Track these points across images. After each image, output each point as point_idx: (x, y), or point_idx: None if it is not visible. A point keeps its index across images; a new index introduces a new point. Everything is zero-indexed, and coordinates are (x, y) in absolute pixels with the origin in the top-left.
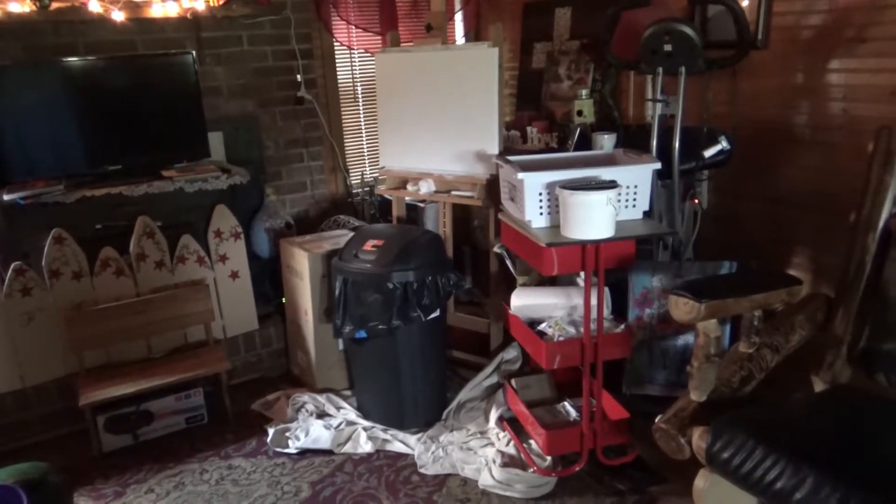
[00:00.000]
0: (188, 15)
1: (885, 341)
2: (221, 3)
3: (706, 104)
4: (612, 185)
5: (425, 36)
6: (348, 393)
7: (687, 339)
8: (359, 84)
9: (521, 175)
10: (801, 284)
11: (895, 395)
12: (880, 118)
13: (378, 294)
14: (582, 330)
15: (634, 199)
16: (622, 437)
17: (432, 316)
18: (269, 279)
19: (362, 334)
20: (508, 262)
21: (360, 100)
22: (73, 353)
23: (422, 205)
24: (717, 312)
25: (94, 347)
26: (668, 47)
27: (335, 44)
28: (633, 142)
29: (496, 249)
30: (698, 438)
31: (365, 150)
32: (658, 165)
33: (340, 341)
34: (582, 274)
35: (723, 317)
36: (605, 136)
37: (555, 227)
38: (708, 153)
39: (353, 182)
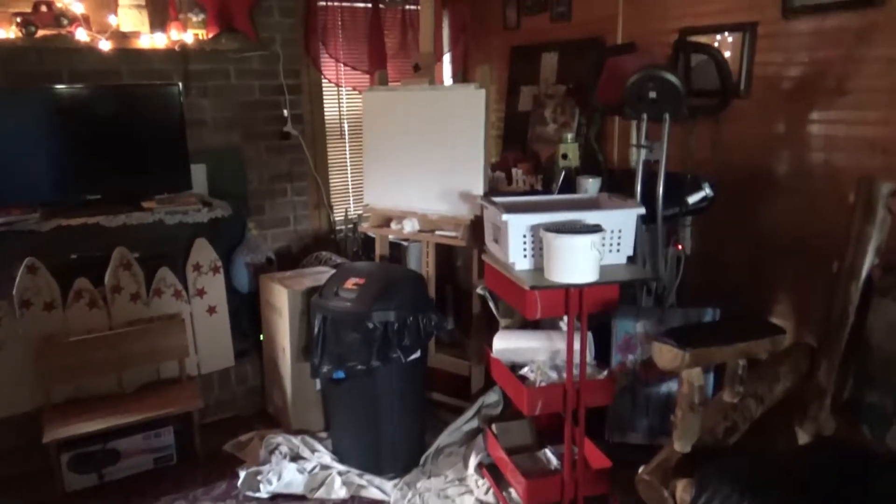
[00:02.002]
0: (176, 47)
1: (870, 393)
2: (210, 36)
3: (690, 151)
4: (596, 228)
5: (413, 75)
6: (324, 435)
7: (670, 386)
8: (345, 121)
9: (505, 216)
10: (784, 334)
11: (880, 447)
12: (859, 168)
13: (357, 333)
14: (564, 375)
15: (619, 244)
16: (604, 487)
17: (413, 357)
18: (248, 315)
19: (340, 374)
20: (491, 304)
21: (347, 136)
22: (42, 386)
23: (405, 243)
24: (701, 361)
25: (63, 381)
26: (652, 94)
27: (323, 80)
28: (618, 186)
29: (479, 291)
30: (682, 491)
31: (350, 187)
32: (642, 210)
33: (318, 381)
34: (565, 318)
35: (707, 365)
36: (590, 179)
37: (538, 269)
38: (692, 199)
39: (336, 219)
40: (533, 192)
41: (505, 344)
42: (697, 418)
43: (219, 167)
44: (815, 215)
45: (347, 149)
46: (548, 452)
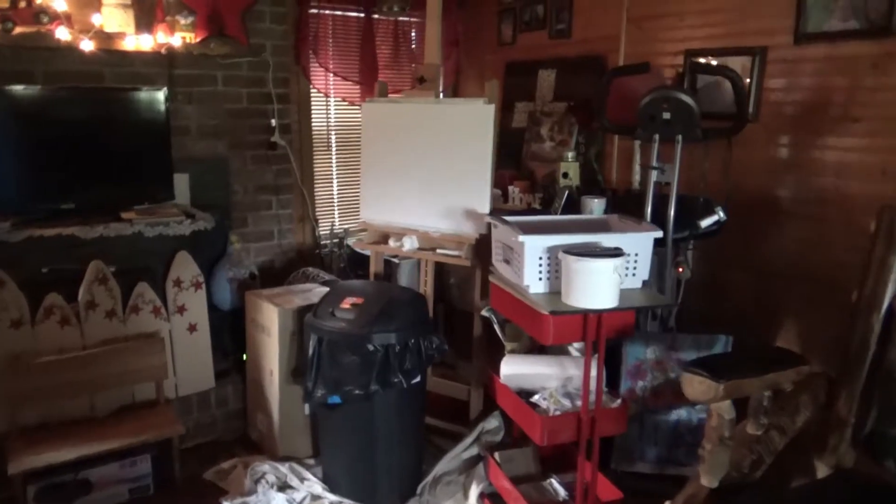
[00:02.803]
0: (163, 50)
1: (894, 426)
2: (199, 40)
3: (703, 174)
4: (617, 252)
5: (417, 87)
6: (312, 462)
7: (679, 414)
8: (333, 132)
9: (521, 238)
10: (808, 364)
11: None
12: (872, 196)
13: (356, 356)
14: (578, 403)
15: (635, 268)
16: None
17: (414, 381)
18: (229, 333)
19: (336, 399)
20: (496, 327)
21: (334, 149)
22: (7, 410)
23: (396, 261)
24: (734, 393)
25: (31, 405)
26: (666, 115)
27: (311, 90)
28: (622, 207)
29: (484, 313)
30: None
31: (335, 201)
32: (660, 234)
33: (307, 405)
34: (574, 344)
35: (738, 397)
36: (595, 200)
37: (554, 293)
38: (704, 223)
39: (321, 233)
40: (532, 211)
41: (514, 369)
42: (727, 452)
43: (202, 177)
44: (824, 243)
45: (334, 161)
46: (554, 482)
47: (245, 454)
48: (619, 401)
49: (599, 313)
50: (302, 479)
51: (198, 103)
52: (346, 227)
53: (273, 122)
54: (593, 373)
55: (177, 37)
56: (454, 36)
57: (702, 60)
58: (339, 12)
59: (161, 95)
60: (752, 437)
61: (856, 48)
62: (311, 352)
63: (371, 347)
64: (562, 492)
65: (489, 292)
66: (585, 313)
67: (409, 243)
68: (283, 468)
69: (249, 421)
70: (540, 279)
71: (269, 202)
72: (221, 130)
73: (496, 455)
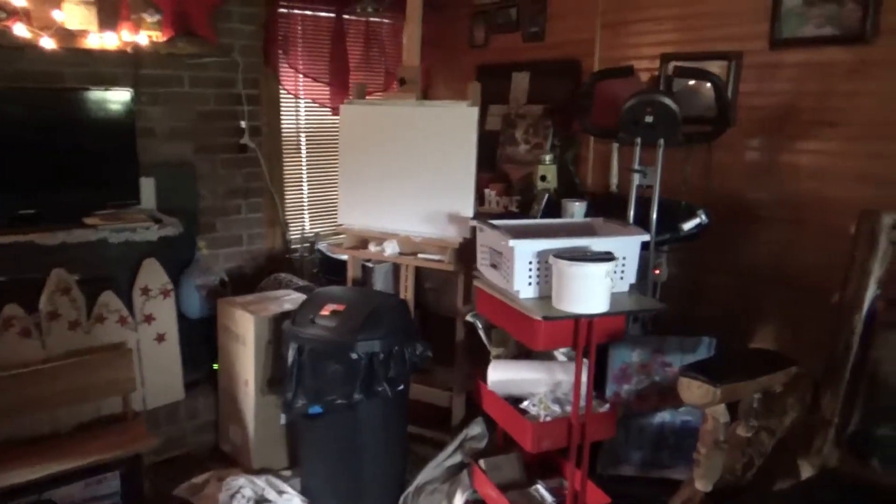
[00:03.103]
0: (129, 49)
1: (879, 425)
2: (165, 39)
3: (685, 177)
4: (609, 256)
5: (397, 89)
6: (289, 474)
7: (664, 416)
8: (303, 134)
9: (512, 242)
10: (796, 365)
11: (889, 480)
12: (847, 199)
13: (339, 365)
14: (568, 409)
15: (623, 272)
16: None
17: (398, 390)
18: (199, 343)
19: (317, 410)
20: (481, 333)
21: (304, 151)
22: None
23: (371, 265)
24: (731, 396)
25: None
26: (649, 118)
27: (281, 92)
28: (602, 210)
29: (468, 318)
30: None
31: (305, 204)
32: (648, 237)
33: (283, 415)
34: (562, 348)
35: (733, 400)
36: (576, 203)
37: (544, 298)
38: (687, 226)
39: (292, 237)
40: (510, 214)
41: (501, 375)
42: (722, 455)
43: (169, 181)
44: (801, 246)
45: (304, 164)
46: (540, 489)
47: (218, 468)
48: (607, 405)
49: (591, 318)
50: (280, 493)
51: (164, 105)
52: (317, 230)
53: (242, 124)
54: (583, 378)
55: (143, 35)
56: (424, 38)
57: (684, 64)
58: (309, 12)
59: (127, 96)
60: (743, 440)
61: (831, 54)
62: (290, 361)
63: (355, 356)
64: (549, 498)
65: (472, 297)
66: (578, 318)
67: (391, 248)
68: (260, 481)
69: (222, 433)
70: (530, 284)
71: (238, 206)
72: (189, 133)
73: (481, 462)
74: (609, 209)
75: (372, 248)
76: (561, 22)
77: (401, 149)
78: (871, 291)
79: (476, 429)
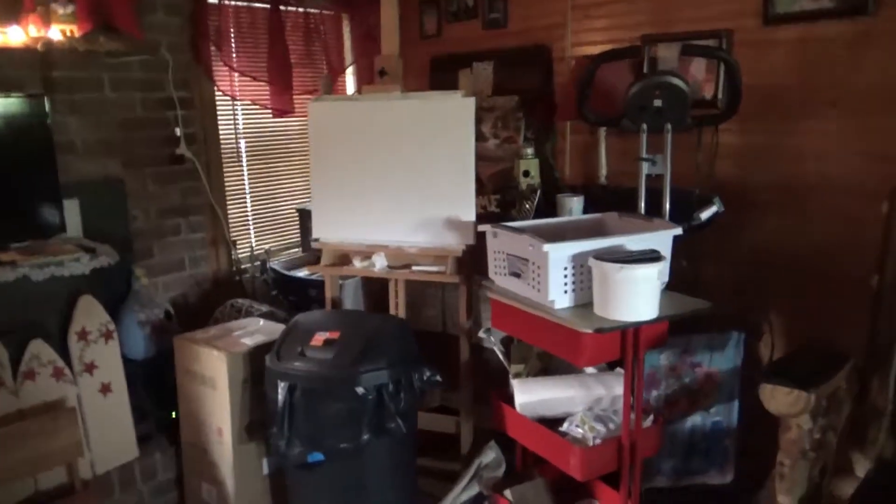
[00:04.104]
0: (38, 46)
1: None
2: (82, 34)
3: (697, 163)
4: (655, 255)
5: (377, 82)
6: None
7: (694, 420)
8: (242, 140)
9: (546, 247)
10: (851, 360)
11: None
12: (853, 178)
13: (341, 403)
14: (612, 427)
15: None
16: None
17: (411, 424)
18: (147, 389)
19: (318, 457)
20: (497, 350)
21: (245, 160)
22: None
23: (340, 282)
24: (820, 400)
25: None
26: (657, 102)
27: (217, 93)
28: (595, 204)
29: (481, 334)
30: None
31: (250, 219)
32: (680, 230)
33: (265, 464)
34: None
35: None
36: (574, 199)
37: (580, 306)
38: (704, 215)
39: (240, 257)
40: (493, 215)
41: (532, 396)
42: (807, 466)
43: (94, 203)
44: (803, 229)
45: (246, 174)
46: None
47: None
48: (650, 417)
49: (641, 325)
50: None
51: (83, 113)
52: (266, 248)
53: (178, 131)
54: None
55: (54, 30)
56: (366, 30)
57: (693, 42)
58: (242, 3)
59: (41, 104)
60: (814, 444)
61: (829, 28)
62: (280, 402)
63: (361, 390)
64: None
65: (474, 310)
66: (633, 327)
67: (380, 262)
68: None
69: (189, 492)
70: (565, 292)
71: (177, 226)
72: (114, 145)
73: (507, 493)
74: (604, 202)
75: (357, 263)
76: (525, 7)
77: (386, 149)
78: None
79: (490, 455)
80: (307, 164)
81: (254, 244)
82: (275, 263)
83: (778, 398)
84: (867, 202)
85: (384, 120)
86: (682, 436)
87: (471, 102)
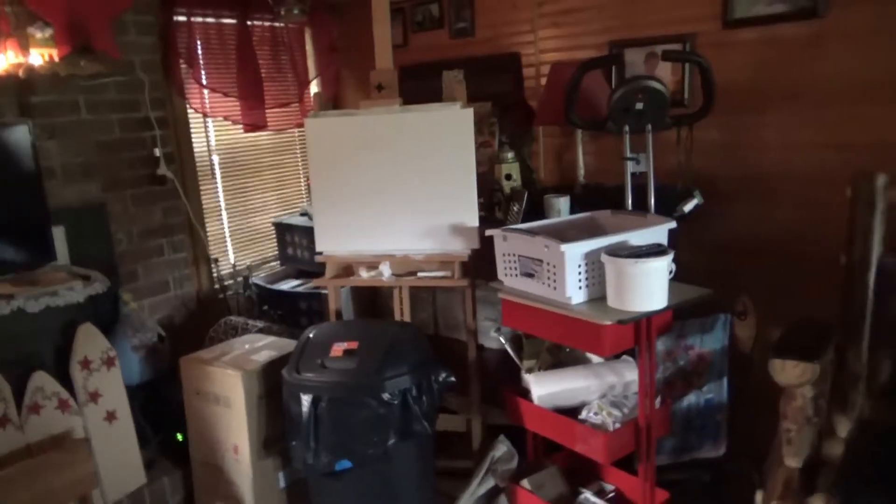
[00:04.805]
0: (20, 72)
1: None
2: (61, 57)
3: (679, 160)
4: (662, 249)
5: (375, 97)
6: None
7: (689, 399)
8: (216, 157)
9: (563, 247)
10: (836, 333)
11: None
12: (813, 166)
13: (367, 410)
14: (626, 411)
15: None
16: None
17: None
18: (146, 413)
19: (346, 465)
20: (508, 347)
21: (219, 176)
22: None
23: (326, 292)
24: (824, 370)
25: None
26: (639, 105)
27: (189, 111)
28: (583, 203)
29: (493, 334)
30: None
31: (227, 236)
32: (674, 224)
33: (281, 478)
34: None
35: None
36: (561, 199)
37: (594, 301)
38: (687, 208)
39: (222, 274)
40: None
41: (549, 388)
42: (812, 431)
43: (77, 228)
44: (775, 215)
45: (221, 190)
46: (589, 497)
47: None
48: (658, 399)
49: (653, 315)
50: None
51: (61, 138)
52: (248, 263)
53: (157, 151)
54: (632, 377)
55: (34, 55)
56: (329, 41)
57: (668, 48)
58: (210, 19)
59: (26, 130)
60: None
61: (785, 30)
62: (304, 416)
63: (387, 396)
64: None
65: (474, 312)
66: (648, 317)
67: (387, 271)
68: None
69: None
70: (580, 288)
71: (160, 247)
72: (93, 168)
73: (525, 483)
74: (586, 201)
75: (364, 274)
76: (492, 15)
77: (387, 161)
78: (876, 249)
79: (502, 448)
80: (280, 177)
81: (233, 260)
82: (256, 278)
83: (787, 370)
84: (830, 188)
85: (384, 133)
86: (680, 415)
87: (469, 113)
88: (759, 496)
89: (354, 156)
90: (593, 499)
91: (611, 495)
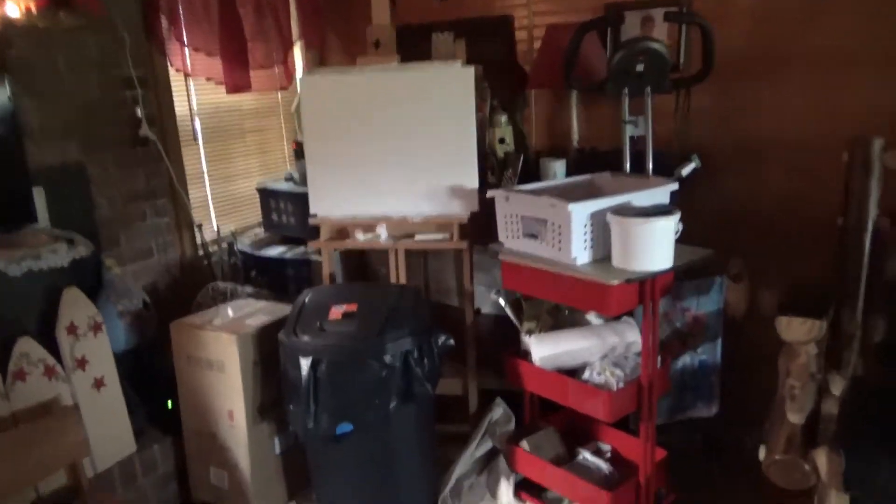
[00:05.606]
0: None
1: None
2: (39, 8)
3: (677, 124)
4: (669, 209)
5: (372, 54)
6: None
7: (684, 360)
8: (197, 119)
9: (570, 206)
10: (835, 294)
11: None
12: (807, 132)
13: (369, 373)
14: (628, 372)
15: None
16: (662, 479)
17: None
18: (133, 380)
19: (347, 428)
20: (508, 310)
21: (201, 139)
22: None
23: (319, 258)
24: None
25: None
26: (640, 67)
27: (171, 70)
28: (579, 166)
29: (493, 296)
30: (826, 461)
31: (210, 201)
32: (676, 185)
33: (276, 443)
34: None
35: None
36: (557, 162)
37: (598, 261)
38: (684, 171)
39: (207, 240)
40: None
41: (550, 349)
42: (815, 386)
43: (56, 191)
44: (771, 179)
45: (203, 154)
46: (588, 456)
47: None
48: (658, 358)
49: (654, 276)
50: None
51: (39, 96)
52: (232, 229)
53: (139, 112)
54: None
55: (11, 6)
56: (314, 3)
57: (670, 9)
58: None
59: (4, 86)
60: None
61: None
62: (303, 378)
63: (388, 359)
64: (602, 465)
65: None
66: (653, 277)
67: (384, 233)
68: None
69: (195, 480)
70: (585, 249)
71: (143, 212)
72: (73, 128)
73: (524, 444)
74: (581, 165)
75: (360, 236)
76: None
77: (385, 121)
78: (872, 212)
79: (499, 411)
80: (263, 141)
81: (215, 226)
82: (240, 245)
83: (794, 327)
84: (823, 154)
85: (382, 91)
86: (675, 375)
87: (470, 72)
88: (761, 451)
89: (350, 115)
90: (591, 458)
91: (607, 455)
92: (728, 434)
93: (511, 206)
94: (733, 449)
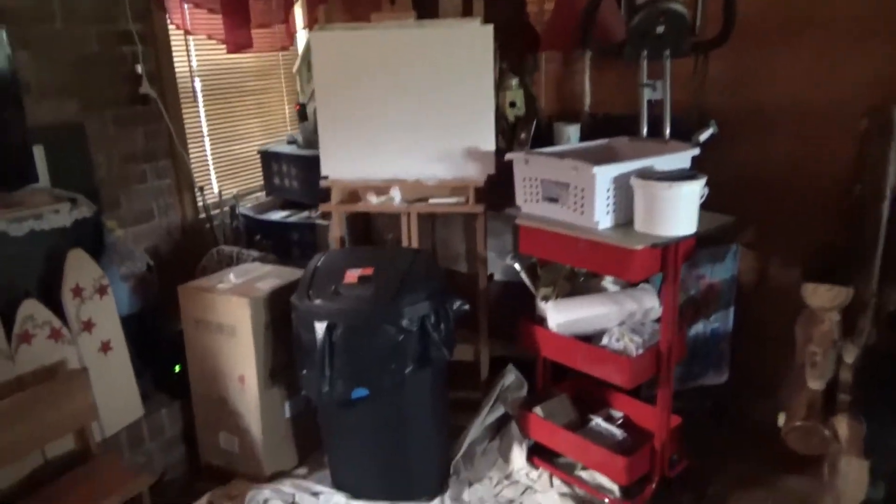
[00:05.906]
0: None
1: None
2: None
3: (695, 89)
4: (694, 174)
5: (387, 10)
6: (304, 471)
7: (697, 328)
8: (197, 78)
9: (595, 169)
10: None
11: None
12: (821, 102)
13: (385, 337)
14: (647, 338)
15: None
16: (675, 446)
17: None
18: (138, 344)
19: (362, 393)
20: (524, 275)
21: (201, 99)
22: None
23: (324, 222)
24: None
25: None
26: (660, 29)
27: (170, 27)
28: (593, 131)
29: (508, 261)
30: (846, 427)
31: (210, 164)
32: (697, 151)
33: (287, 407)
34: (608, 277)
35: None
36: (570, 127)
37: (620, 226)
38: (702, 137)
39: (209, 202)
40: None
41: (567, 316)
42: (835, 353)
43: (55, 150)
44: (780, 151)
45: (203, 114)
46: (600, 422)
47: (213, 486)
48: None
49: (678, 241)
50: (314, 494)
51: (36, 49)
52: (235, 192)
53: (139, 68)
54: (651, 303)
55: None
56: None
57: None
58: None
59: (2, 37)
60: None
61: None
62: (318, 343)
63: (405, 322)
64: (615, 431)
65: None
66: (677, 242)
67: (398, 196)
68: (286, 488)
69: (204, 445)
70: (608, 213)
71: (143, 173)
72: (71, 84)
73: (538, 410)
74: (594, 130)
75: (372, 199)
76: None
77: (399, 80)
78: (891, 180)
79: (511, 377)
80: (264, 102)
81: (217, 189)
82: (242, 209)
83: (820, 294)
84: (837, 122)
85: (396, 49)
86: (688, 343)
87: (489, 30)
88: (781, 417)
89: (363, 73)
90: (604, 424)
91: (619, 421)
92: (736, 401)
93: (530, 169)
94: (742, 416)
